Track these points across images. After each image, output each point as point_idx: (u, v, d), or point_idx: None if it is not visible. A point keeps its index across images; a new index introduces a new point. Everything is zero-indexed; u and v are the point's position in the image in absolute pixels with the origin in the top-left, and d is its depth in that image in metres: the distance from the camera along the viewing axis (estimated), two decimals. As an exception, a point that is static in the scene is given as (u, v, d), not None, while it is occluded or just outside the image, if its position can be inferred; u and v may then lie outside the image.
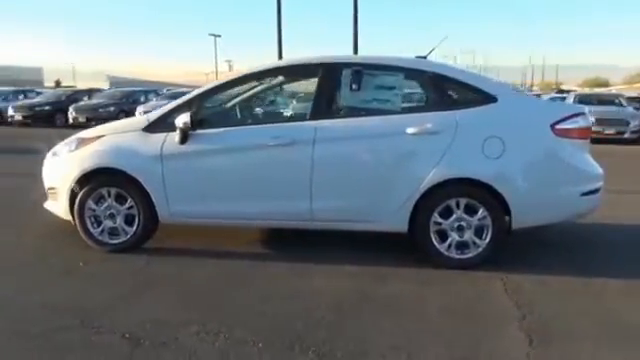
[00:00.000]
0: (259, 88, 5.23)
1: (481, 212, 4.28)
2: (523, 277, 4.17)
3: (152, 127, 4.64)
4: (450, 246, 4.36)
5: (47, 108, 22.79)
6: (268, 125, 4.68)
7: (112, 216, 4.71)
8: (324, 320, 3.43)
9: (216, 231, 5.15)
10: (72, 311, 3.51)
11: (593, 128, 16.38)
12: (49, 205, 5.08)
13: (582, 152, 4.48)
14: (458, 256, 4.36)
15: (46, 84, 66.14)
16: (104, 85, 51.76)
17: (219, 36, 59.09)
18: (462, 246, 4.36)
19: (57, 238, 5.05)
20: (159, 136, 4.58)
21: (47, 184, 5.05)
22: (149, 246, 4.80)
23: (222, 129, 4.60)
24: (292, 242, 5.03)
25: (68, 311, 3.52)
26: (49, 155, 5.15)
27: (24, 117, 22.20)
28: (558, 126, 4.31)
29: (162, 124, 4.61)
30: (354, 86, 4.46)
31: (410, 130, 4.30)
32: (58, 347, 3.06)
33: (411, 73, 4.61)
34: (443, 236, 4.37)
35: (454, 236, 4.34)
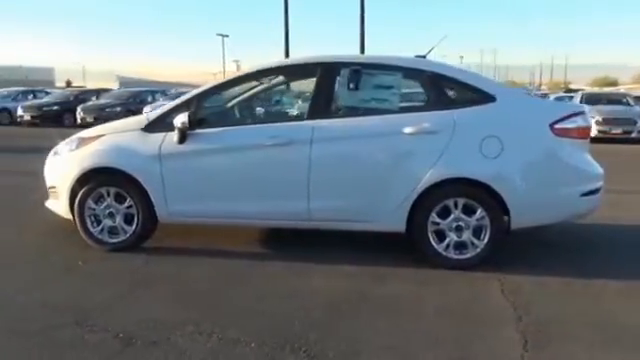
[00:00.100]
0: (257, 88, 5.24)
1: (479, 212, 4.26)
2: (521, 278, 4.14)
3: (151, 127, 4.66)
4: (448, 246, 4.34)
5: (55, 108, 22.99)
6: (266, 125, 4.69)
7: (111, 215, 4.73)
8: (319, 320, 3.42)
9: (215, 231, 5.17)
10: (68, 309, 3.53)
11: (600, 127, 16.46)
12: (50, 204, 5.12)
13: (582, 152, 4.44)
14: (456, 256, 4.34)
15: (57, 84, 66.53)
16: (114, 85, 51.99)
17: (227, 36, 59.35)
18: (460, 246, 4.34)
19: (58, 237, 5.08)
20: (158, 136, 4.60)
21: (48, 183, 5.09)
22: (148, 245, 4.82)
23: (220, 129, 4.61)
24: (291, 242, 5.03)
25: (64, 309, 3.54)
26: (51, 154, 5.18)
27: (33, 117, 22.42)
28: (557, 126, 4.28)
29: (161, 124, 4.63)
30: (352, 86, 4.46)
31: (407, 130, 4.29)
32: (51, 345, 3.07)
33: (409, 72, 4.60)
34: (441, 236, 4.35)
35: (452, 236, 4.32)
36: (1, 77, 55.05)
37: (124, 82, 63.19)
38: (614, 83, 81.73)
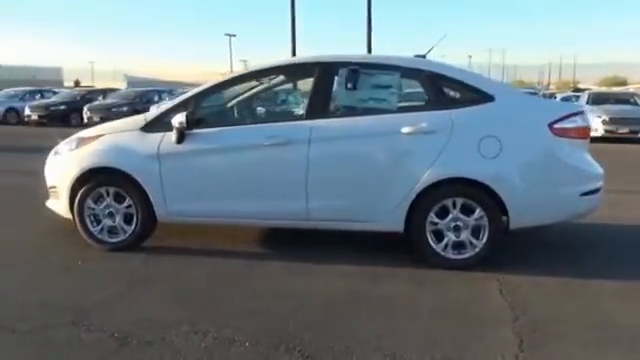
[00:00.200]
0: (255, 88, 5.24)
1: (478, 212, 4.24)
2: (520, 278, 4.13)
3: (150, 127, 4.67)
4: (446, 246, 4.32)
5: (62, 108, 23.12)
6: (264, 124, 4.69)
7: (111, 215, 4.75)
8: (314, 320, 3.42)
9: (215, 230, 5.17)
10: (66, 309, 3.54)
11: (606, 127, 16.38)
12: (51, 204, 5.14)
13: (581, 151, 4.42)
14: (454, 256, 4.32)
15: (66, 84, 66.85)
16: (122, 85, 52.16)
17: (234, 36, 59.42)
18: (459, 246, 4.32)
19: (58, 236, 5.11)
20: (156, 136, 4.61)
21: (48, 183, 5.12)
22: (148, 245, 4.84)
23: (218, 129, 4.62)
24: (290, 242, 5.03)
25: (62, 309, 3.55)
26: (51, 154, 5.21)
27: (40, 117, 22.52)
28: (556, 125, 4.26)
29: (159, 124, 4.64)
30: (350, 85, 4.45)
31: (405, 129, 4.28)
32: (47, 344, 3.09)
33: (408, 72, 4.58)
34: (439, 236, 4.33)
35: (450, 236, 4.31)
36: (9, 77, 55.41)
37: (132, 82, 63.32)
38: (623, 82, 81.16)
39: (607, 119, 15.75)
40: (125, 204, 4.71)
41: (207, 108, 4.95)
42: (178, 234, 5.14)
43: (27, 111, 22.89)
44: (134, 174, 4.60)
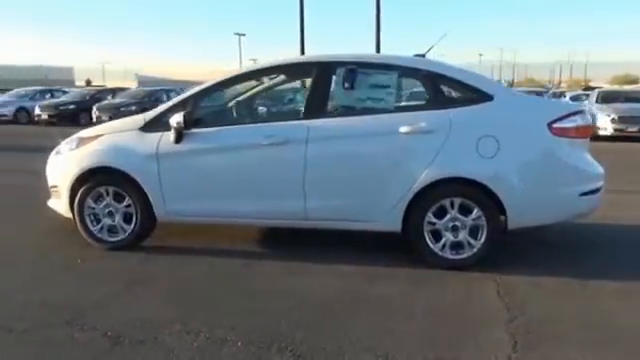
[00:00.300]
0: (253, 87, 5.25)
1: (475, 212, 4.22)
2: (518, 278, 4.10)
3: (148, 126, 4.69)
4: (444, 246, 4.30)
5: (72, 107, 23.32)
6: (262, 124, 4.69)
7: (111, 214, 4.77)
8: (308, 320, 3.41)
9: (216, 229, 5.18)
10: (63, 308, 3.56)
11: (615, 126, 16.20)
12: (52, 203, 5.18)
13: (581, 151, 4.38)
14: (452, 256, 4.30)
15: (77, 83, 67.37)
16: (133, 84, 52.49)
17: (244, 35, 59.46)
18: (457, 246, 4.30)
19: (59, 235, 5.14)
20: (155, 135, 4.62)
21: (50, 182, 5.15)
22: (148, 244, 4.86)
23: (216, 128, 4.62)
24: (290, 241, 5.03)
25: (59, 308, 3.57)
26: (52, 154, 5.24)
27: (50, 116, 22.75)
28: (555, 125, 4.22)
29: (158, 123, 4.66)
30: (347, 85, 4.44)
31: (403, 129, 4.26)
32: (41, 343, 3.11)
33: (406, 72, 4.57)
34: (437, 236, 4.31)
35: (448, 236, 4.29)
36: (22, 77, 55.95)
37: (143, 81, 63.69)
38: (635, 81, 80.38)
39: (616, 118, 15.58)
40: (124, 203, 4.73)
41: (205, 108, 4.96)
42: (178, 233, 5.16)
43: (37, 110, 23.14)
44: (133, 174, 4.62)
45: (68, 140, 5.10)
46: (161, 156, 4.57)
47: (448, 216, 4.27)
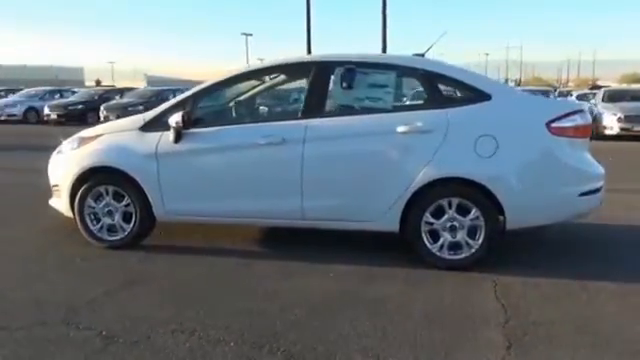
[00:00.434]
0: (252, 87, 5.25)
1: (474, 212, 4.20)
2: (516, 279, 4.07)
3: (148, 126, 4.71)
4: (442, 246, 4.28)
5: (80, 107, 23.54)
6: (259, 124, 4.70)
7: (110, 213, 4.79)
8: (302, 320, 3.41)
9: (216, 229, 5.19)
10: (59, 306, 3.58)
11: (622, 125, 16.06)
12: (53, 202, 5.21)
13: (581, 151, 4.34)
14: (450, 257, 4.28)
15: (87, 83, 67.80)
16: (142, 84, 52.71)
17: (251, 35, 59.44)
18: (455, 246, 4.28)
19: (60, 234, 5.17)
20: (154, 135, 4.64)
21: (51, 181, 5.19)
22: (148, 243, 4.88)
23: (214, 128, 4.63)
24: (288, 241, 5.03)
25: (54, 306, 3.59)
26: (54, 153, 5.27)
27: (59, 116, 22.99)
28: (554, 124, 4.19)
29: (157, 123, 4.67)
30: (345, 85, 4.43)
31: (401, 129, 4.24)
32: (34, 342, 3.12)
33: (404, 71, 4.57)
34: (435, 236, 4.30)
35: (446, 236, 4.27)
36: (33, 77, 56.38)
37: (152, 81, 63.94)
38: (643, 79, 79.58)
39: (622, 117, 15.42)
40: (124, 203, 4.75)
41: (204, 107, 4.97)
42: (179, 232, 5.18)
43: (46, 110, 23.40)
44: (132, 173, 4.64)
45: (70, 140, 5.13)
46: (160, 156, 4.59)
47: (446, 216, 4.25)
